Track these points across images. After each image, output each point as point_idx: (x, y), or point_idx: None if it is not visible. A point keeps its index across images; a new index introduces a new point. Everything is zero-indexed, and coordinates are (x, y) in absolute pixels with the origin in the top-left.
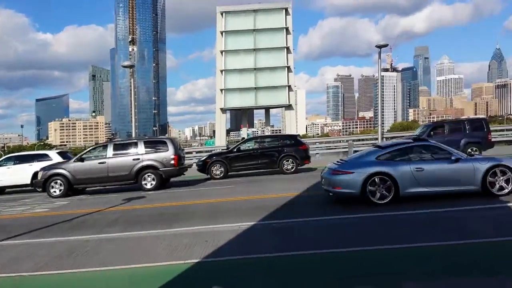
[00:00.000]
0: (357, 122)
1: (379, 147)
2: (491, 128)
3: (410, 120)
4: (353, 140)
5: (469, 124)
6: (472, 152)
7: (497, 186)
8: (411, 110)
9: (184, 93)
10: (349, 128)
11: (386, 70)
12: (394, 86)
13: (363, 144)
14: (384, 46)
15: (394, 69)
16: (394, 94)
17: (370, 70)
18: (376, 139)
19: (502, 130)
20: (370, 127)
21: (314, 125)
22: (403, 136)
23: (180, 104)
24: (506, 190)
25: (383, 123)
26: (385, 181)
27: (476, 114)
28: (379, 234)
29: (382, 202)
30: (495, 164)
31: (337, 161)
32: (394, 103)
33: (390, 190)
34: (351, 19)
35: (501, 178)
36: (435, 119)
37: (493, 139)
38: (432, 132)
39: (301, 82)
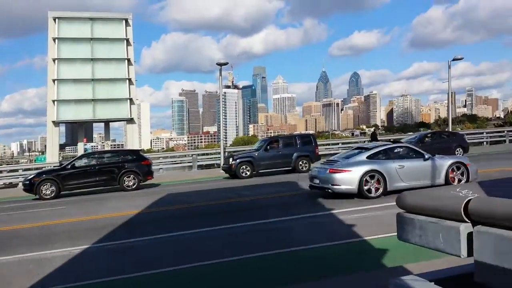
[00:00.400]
0: (202, 136)
1: (364, 148)
2: (319, 143)
3: (250, 134)
4: (198, 155)
5: (300, 139)
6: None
7: (456, 179)
8: (251, 126)
9: (10, 104)
10: (195, 142)
11: (228, 87)
12: (236, 102)
13: (208, 158)
14: (225, 64)
15: (236, 87)
16: (236, 110)
17: (213, 86)
18: (219, 153)
19: (328, 144)
20: (214, 141)
21: (159, 140)
22: (244, 150)
23: (5, 116)
24: (463, 181)
25: (226, 138)
26: (376, 178)
27: (306, 130)
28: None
29: (374, 196)
30: (454, 161)
31: (325, 161)
32: (236, 118)
33: (380, 185)
34: (194, 35)
35: (458, 172)
36: (272, 134)
37: (320, 153)
38: (268, 147)
39: (145, 95)
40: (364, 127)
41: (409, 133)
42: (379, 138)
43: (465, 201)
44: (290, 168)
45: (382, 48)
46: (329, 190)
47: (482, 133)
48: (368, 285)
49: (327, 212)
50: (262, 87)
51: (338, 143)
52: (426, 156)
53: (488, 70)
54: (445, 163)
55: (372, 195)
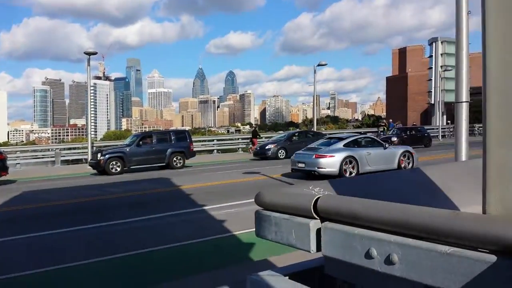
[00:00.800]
0: (68, 129)
1: (338, 138)
2: (195, 139)
3: (123, 129)
4: (63, 149)
5: (174, 135)
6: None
7: (406, 164)
8: (124, 120)
9: None
10: (60, 135)
11: (99, 78)
12: (107, 95)
13: (75, 153)
14: (93, 53)
15: (107, 78)
16: (107, 103)
17: (82, 77)
18: (87, 148)
19: (204, 141)
20: (83, 135)
21: (18, 132)
22: (116, 145)
23: None
24: (410, 165)
25: (96, 131)
26: (352, 162)
27: (183, 126)
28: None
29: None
30: (404, 150)
31: (306, 148)
32: (108, 111)
33: (354, 168)
34: (61, 21)
35: (406, 159)
36: (147, 129)
37: (196, 149)
38: (141, 142)
39: (3, 83)
40: (239, 124)
41: (280, 132)
42: (259, 135)
43: (314, 199)
44: (164, 164)
45: (257, 50)
46: (315, 173)
47: (343, 133)
48: (230, 280)
49: (199, 208)
50: (137, 80)
51: (213, 140)
52: (386, 146)
53: (349, 76)
54: (397, 151)
55: (347, 176)
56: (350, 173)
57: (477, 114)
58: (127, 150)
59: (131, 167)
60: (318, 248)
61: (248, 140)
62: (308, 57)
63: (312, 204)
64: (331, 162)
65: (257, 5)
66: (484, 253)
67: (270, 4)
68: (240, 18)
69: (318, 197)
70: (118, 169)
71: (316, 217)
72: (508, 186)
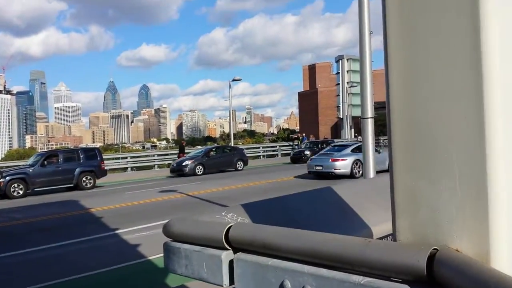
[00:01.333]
0: None
1: (344, 145)
2: (107, 156)
3: (27, 147)
4: None
5: (83, 153)
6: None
7: None
8: (28, 137)
9: None
10: None
11: None
12: (9, 110)
13: None
14: None
15: (8, 92)
16: (9, 119)
17: None
18: None
19: (117, 158)
20: None
21: None
22: (19, 166)
23: None
24: None
25: None
26: (358, 164)
27: (94, 142)
28: None
29: (358, 176)
30: None
31: (321, 154)
32: (9, 128)
33: (360, 169)
34: None
35: None
36: (54, 146)
37: (108, 167)
38: (46, 161)
39: None
40: (155, 140)
41: (198, 147)
42: (186, 150)
43: (226, 228)
44: (73, 185)
45: (171, 63)
46: (332, 173)
47: (259, 147)
48: None
49: (112, 232)
50: (42, 94)
51: (127, 157)
52: (380, 151)
53: (263, 91)
54: (387, 155)
55: (357, 176)
56: (358, 172)
57: (381, 127)
58: (30, 171)
59: (35, 189)
60: (232, 281)
61: (175, 156)
62: (223, 71)
63: (224, 234)
64: (344, 164)
65: (170, 18)
66: (398, 283)
67: (183, 17)
68: (153, 31)
69: (230, 226)
70: (21, 192)
71: (228, 247)
72: (416, 212)
